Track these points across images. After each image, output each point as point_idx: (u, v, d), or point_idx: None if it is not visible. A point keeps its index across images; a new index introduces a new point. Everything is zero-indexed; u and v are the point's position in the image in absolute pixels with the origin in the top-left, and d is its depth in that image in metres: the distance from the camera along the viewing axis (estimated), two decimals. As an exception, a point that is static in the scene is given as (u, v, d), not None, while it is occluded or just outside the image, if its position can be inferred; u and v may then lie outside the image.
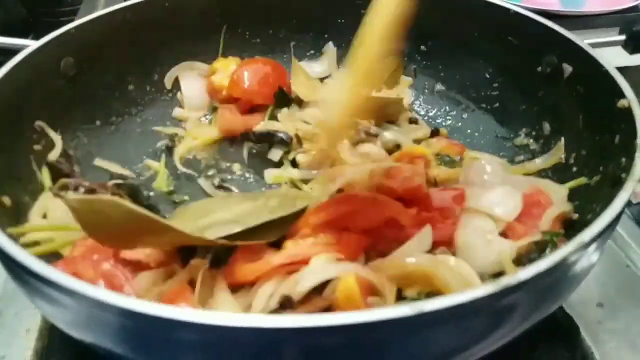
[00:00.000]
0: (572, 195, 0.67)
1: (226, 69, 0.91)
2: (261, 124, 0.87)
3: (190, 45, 0.93)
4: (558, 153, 0.75)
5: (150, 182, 0.81)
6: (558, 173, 0.74)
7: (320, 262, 0.56)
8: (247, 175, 0.84)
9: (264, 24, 0.97)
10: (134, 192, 0.69)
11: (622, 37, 0.87)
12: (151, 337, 0.43)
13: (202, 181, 0.82)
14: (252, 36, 0.97)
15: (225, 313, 0.39)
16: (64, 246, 0.63)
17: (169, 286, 0.57)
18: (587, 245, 0.46)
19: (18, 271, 0.46)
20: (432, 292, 0.56)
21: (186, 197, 0.79)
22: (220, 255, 0.61)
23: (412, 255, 0.58)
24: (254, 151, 0.86)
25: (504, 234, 0.63)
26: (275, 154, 0.84)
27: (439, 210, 0.64)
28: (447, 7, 0.88)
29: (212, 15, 0.93)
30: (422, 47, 0.95)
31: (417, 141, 0.85)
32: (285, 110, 0.88)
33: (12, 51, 0.71)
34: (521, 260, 0.60)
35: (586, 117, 0.71)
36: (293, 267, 0.57)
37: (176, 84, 0.94)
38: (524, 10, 0.81)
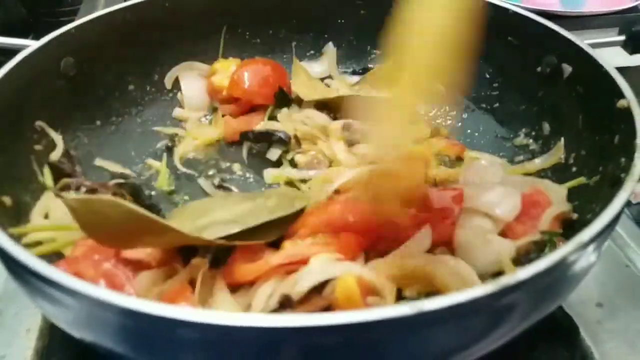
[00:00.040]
0: (572, 196, 0.68)
1: (226, 70, 0.91)
2: (260, 124, 0.87)
3: (190, 45, 0.93)
4: (558, 153, 0.75)
5: (151, 182, 0.81)
6: (558, 173, 0.74)
7: (319, 262, 0.56)
8: (247, 175, 0.84)
9: (264, 24, 0.97)
10: (135, 192, 0.69)
11: (622, 38, 0.87)
12: (151, 336, 0.43)
13: (202, 181, 0.82)
14: (252, 36, 0.97)
15: (225, 312, 0.39)
16: (66, 246, 0.63)
17: (169, 286, 0.57)
18: (586, 245, 0.46)
19: (19, 271, 0.46)
20: (432, 292, 0.56)
21: (186, 197, 0.79)
22: (219, 255, 0.61)
23: (412, 255, 0.58)
24: (254, 151, 0.86)
25: (503, 234, 0.63)
26: (274, 154, 0.84)
27: (438, 210, 0.64)
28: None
29: (212, 16, 0.93)
30: (422, 47, 0.95)
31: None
32: (285, 110, 0.88)
33: (12, 51, 0.71)
34: (520, 260, 0.60)
35: (586, 117, 0.71)
36: (292, 267, 0.57)
37: (176, 84, 0.94)
38: (524, 11, 0.81)
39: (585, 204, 0.64)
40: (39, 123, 0.73)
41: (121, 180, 0.71)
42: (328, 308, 0.55)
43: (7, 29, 1.04)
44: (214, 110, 0.93)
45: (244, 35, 0.97)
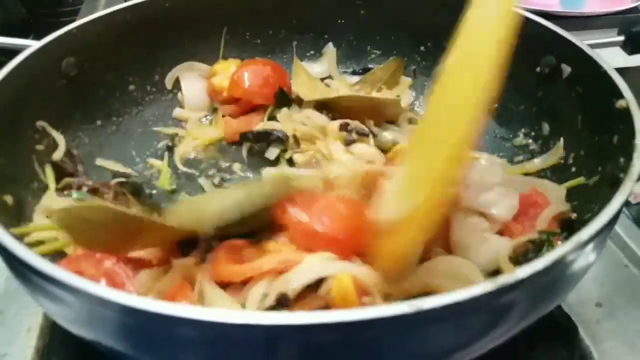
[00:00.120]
0: (571, 196, 0.68)
1: (226, 72, 0.91)
2: (260, 124, 0.87)
3: (190, 45, 0.93)
4: (557, 153, 0.75)
5: (152, 181, 0.81)
6: (557, 173, 0.74)
7: (314, 259, 0.56)
8: (247, 174, 0.84)
9: (264, 25, 0.97)
10: (136, 190, 0.69)
11: (621, 38, 0.87)
12: (151, 333, 0.43)
13: (202, 180, 0.82)
14: (252, 37, 0.97)
15: (225, 310, 0.39)
16: (68, 245, 0.63)
17: (164, 282, 0.57)
18: (584, 244, 0.46)
19: (22, 270, 0.46)
20: (430, 291, 0.56)
21: (187, 196, 0.80)
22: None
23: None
24: (254, 151, 0.87)
25: (501, 234, 0.63)
26: (272, 153, 0.84)
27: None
28: (446, 8, 0.88)
29: (212, 16, 0.93)
30: (422, 47, 0.95)
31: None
32: (284, 110, 0.88)
33: (13, 51, 0.71)
34: (518, 260, 0.61)
35: (585, 118, 0.72)
36: (283, 268, 0.56)
37: (177, 84, 0.94)
38: (523, 11, 0.81)
39: (585, 204, 0.64)
40: (40, 123, 0.73)
41: (122, 179, 0.71)
42: (324, 308, 0.54)
43: (8, 29, 1.04)
44: (214, 110, 0.93)
45: (244, 36, 0.97)
